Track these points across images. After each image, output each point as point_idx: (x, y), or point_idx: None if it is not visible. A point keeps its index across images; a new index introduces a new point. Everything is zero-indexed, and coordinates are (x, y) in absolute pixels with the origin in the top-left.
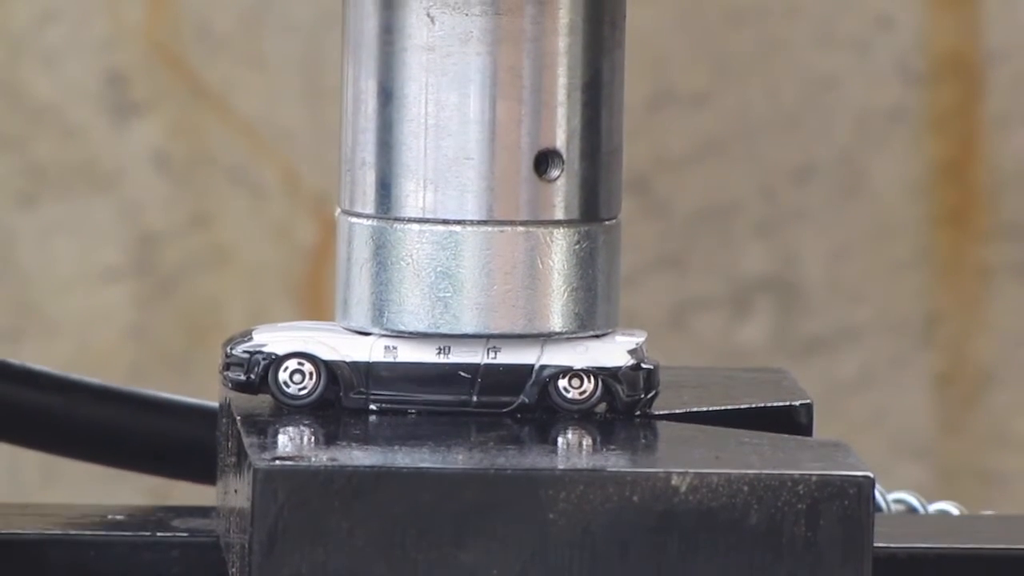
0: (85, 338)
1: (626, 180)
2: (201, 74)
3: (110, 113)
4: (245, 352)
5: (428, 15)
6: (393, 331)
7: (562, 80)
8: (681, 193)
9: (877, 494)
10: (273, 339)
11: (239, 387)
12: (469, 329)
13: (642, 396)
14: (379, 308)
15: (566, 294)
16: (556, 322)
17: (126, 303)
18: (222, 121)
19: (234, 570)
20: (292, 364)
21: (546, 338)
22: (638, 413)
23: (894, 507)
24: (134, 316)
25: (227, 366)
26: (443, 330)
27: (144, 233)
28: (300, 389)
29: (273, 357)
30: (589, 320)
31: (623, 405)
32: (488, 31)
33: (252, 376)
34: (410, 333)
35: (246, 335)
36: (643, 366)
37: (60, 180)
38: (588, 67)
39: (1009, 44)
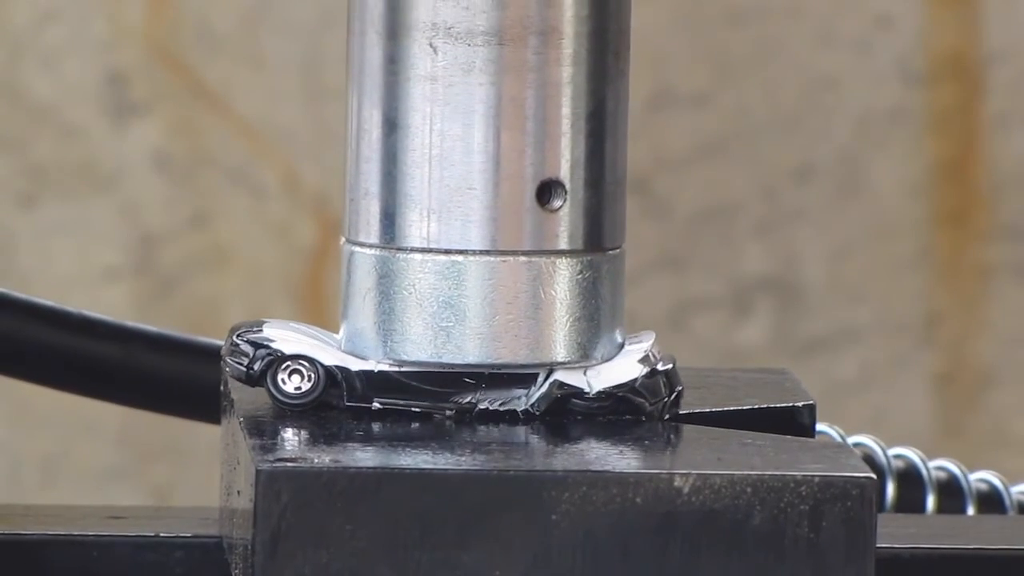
0: None
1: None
2: (201, 74)
3: (110, 113)
4: (251, 344)
5: (431, 45)
6: (396, 360)
7: (565, 110)
8: (681, 193)
9: (1001, 485)
10: (281, 336)
11: (238, 377)
12: (472, 359)
13: (666, 399)
14: (382, 337)
15: (569, 324)
16: (559, 352)
17: (126, 303)
18: (222, 121)
19: (237, 571)
20: (292, 364)
21: (549, 368)
22: (667, 416)
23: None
24: (134, 316)
25: (232, 353)
26: (445, 359)
27: (144, 233)
28: (296, 389)
29: (277, 355)
30: (592, 350)
31: (649, 415)
32: (491, 61)
33: (253, 369)
34: (412, 363)
35: (256, 326)
36: (659, 370)
37: (60, 180)
38: (592, 97)
39: (1009, 44)
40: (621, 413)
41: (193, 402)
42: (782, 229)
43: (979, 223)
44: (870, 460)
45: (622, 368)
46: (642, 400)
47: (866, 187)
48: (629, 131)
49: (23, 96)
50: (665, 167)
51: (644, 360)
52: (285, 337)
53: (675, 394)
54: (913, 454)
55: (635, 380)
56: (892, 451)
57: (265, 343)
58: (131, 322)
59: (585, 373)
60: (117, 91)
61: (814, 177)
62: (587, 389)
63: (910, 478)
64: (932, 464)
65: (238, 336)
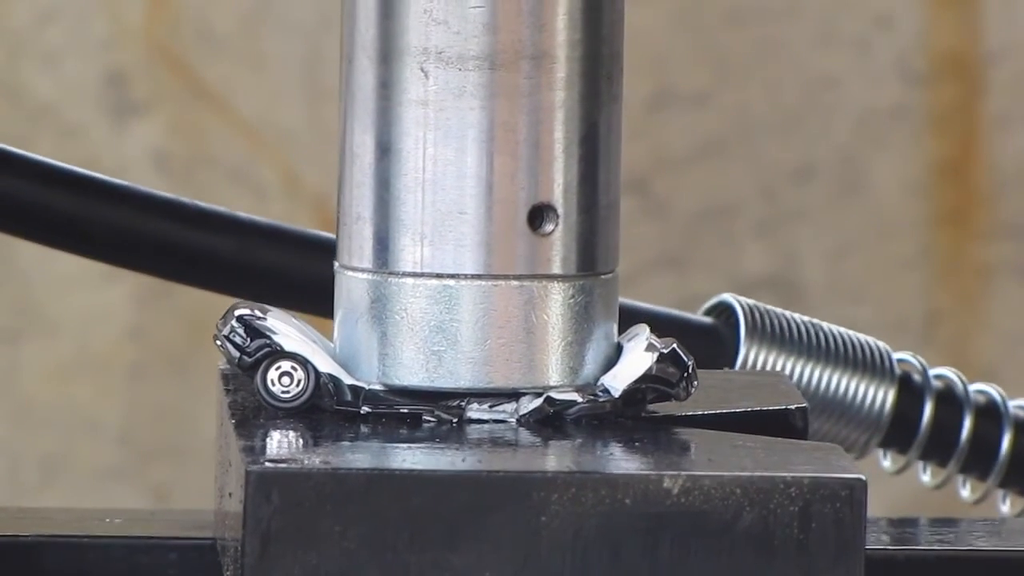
0: (85, 338)
1: (626, 180)
2: (201, 74)
3: (110, 113)
4: (250, 331)
5: (422, 70)
6: (388, 385)
7: (558, 134)
8: (681, 193)
9: None
10: (283, 330)
11: (230, 361)
12: (464, 383)
13: (687, 372)
14: (374, 361)
15: (561, 348)
16: (552, 376)
17: (126, 303)
18: (222, 121)
19: (228, 573)
20: (285, 365)
21: (541, 391)
22: (695, 383)
23: None
24: (134, 316)
25: (230, 333)
26: (438, 384)
27: None
28: (284, 392)
29: (276, 349)
30: (584, 373)
31: (676, 396)
32: (483, 86)
33: (247, 357)
34: (403, 387)
35: (260, 312)
36: (666, 353)
37: None
38: (584, 121)
39: (1009, 44)
40: (648, 403)
41: (306, 294)
42: (782, 229)
43: (979, 222)
44: (950, 392)
45: (633, 363)
46: (664, 387)
47: (866, 187)
48: (629, 131)
49: (23, 96)
50: (665, 167)
51: (650, 348)
52: (287, 332)
53: (692, 365)
54: (994, 390)
55: (651, 368)
56: (973, 386)
57: (266, 332)
58: (244, 214)
59: (600, 383)
60: (117, 91)
61: (814, 177)
62: (612, 395)
63: (990, 413)
64: (1013, 403)
65: (238, 319)
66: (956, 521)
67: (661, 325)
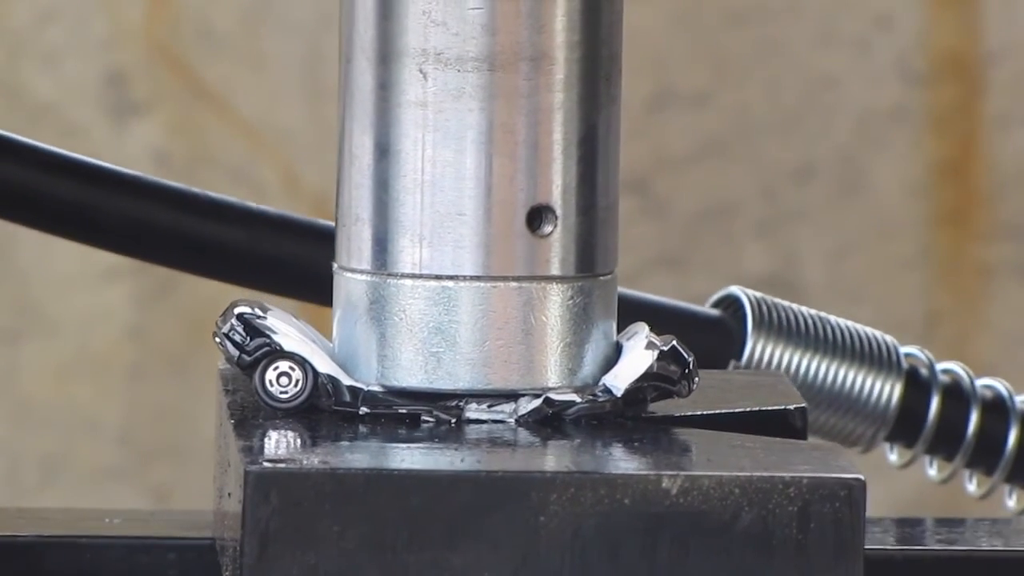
0: (85, 338)
1: (626, 180)
2: (201, 74)
3: (110, 113)
4: (250, 329)
5: (421, 71)
6: (386, 386)
7: (556, 136)
8: (681, 193)
9: None
10: (283, 330)
11: (229, 359)
12: (463, 384)
13: (688, 368)
14: (373, 363)
15: (560, 349)
16: (551, 377)
17: (126, 303)
18: (222, 121)
19: (227, 573)
20: (283, 365)
21: (540, 392)
22: (696, 380)
23: None
24: (134, 316)
25: (229, 331)
26: (436, 385)
27: None
28: (282, 392)
29: (275, 348)
30: (582, 374)
31: (678, 393)
32: (481, 87)
33: (246, 356)
34: (402, 388)
35: (261, 311)
36: (667, 351)
37: None
38: (583, 123)
39: (1009, 44)
40: (650, 402)
41: (316, 285)
42: (782, 229)
43: (979, 223)
44: (957, 387)
45: (633, 362)
46: (666, 384)
47: (866, 187)
48: (629, 131)
49: (23, 96)
50: (665, 167)
51: (649, 346)
52: (286, 331)
53: (692, 361)
54: (1001, 385)
55: (652, 366)
56: (980, 381)
57: (265, 332)
58: (254, 204)
59: (601, 383)
60: (117, 91)
61: (814, 177)
62: (614, 394)
63: (996, 408)
64: (1020, 398)
65: (238, 318)
66: (957, 521)
67: (668, 317)
